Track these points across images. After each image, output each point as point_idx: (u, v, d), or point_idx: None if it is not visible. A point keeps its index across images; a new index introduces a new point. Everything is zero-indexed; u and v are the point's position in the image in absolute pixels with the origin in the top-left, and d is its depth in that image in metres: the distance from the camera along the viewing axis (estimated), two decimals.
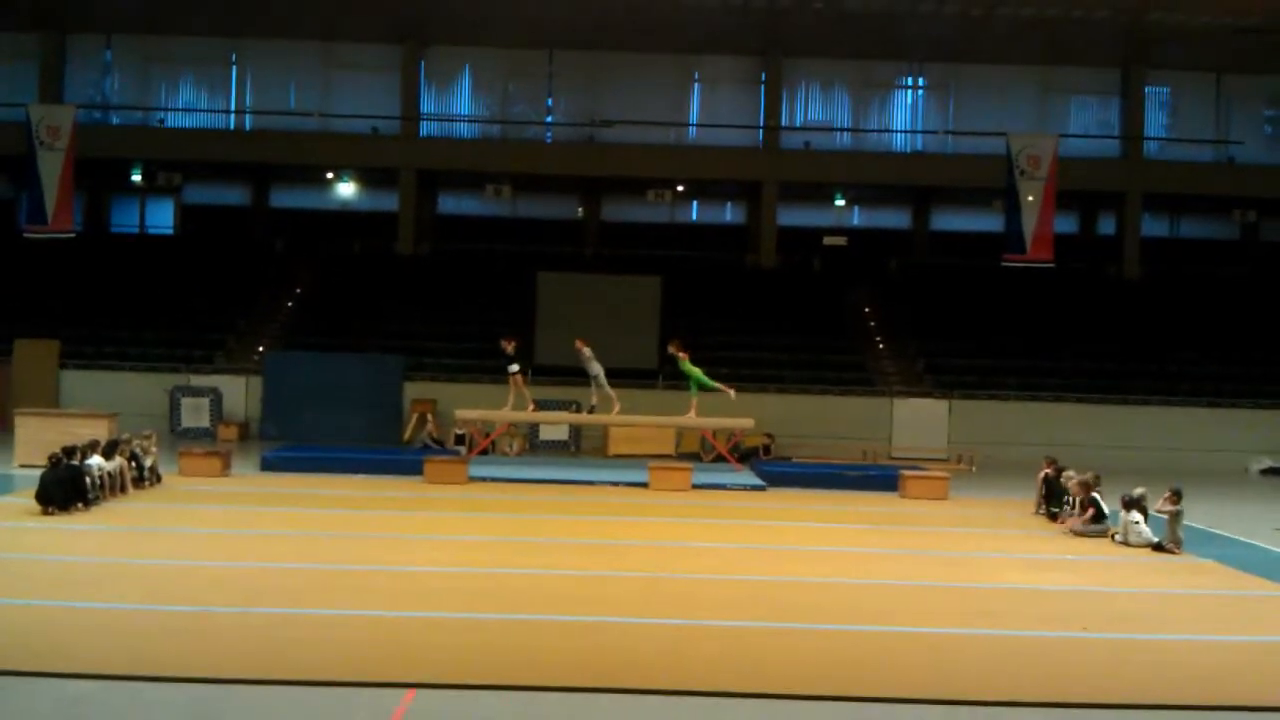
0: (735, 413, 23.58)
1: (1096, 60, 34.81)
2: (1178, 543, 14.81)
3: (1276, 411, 28.82)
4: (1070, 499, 16.97)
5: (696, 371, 22.22)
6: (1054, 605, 11.58)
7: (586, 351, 22.28)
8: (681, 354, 22.30)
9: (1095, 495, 16.30)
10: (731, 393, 22.45)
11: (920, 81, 35.80)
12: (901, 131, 35.90)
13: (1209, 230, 38.21)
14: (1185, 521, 15.26)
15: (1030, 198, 27.63)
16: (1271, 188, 34.25)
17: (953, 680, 8.70)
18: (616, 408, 22.47)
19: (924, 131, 35.67)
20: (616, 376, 23.61)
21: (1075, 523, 16.19)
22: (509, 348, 22.13)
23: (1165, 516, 14.95)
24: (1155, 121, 36.08)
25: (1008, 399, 28.83)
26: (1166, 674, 9.12)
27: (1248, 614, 11.63)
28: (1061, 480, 17.60)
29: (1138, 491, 15.52)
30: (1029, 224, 27.67)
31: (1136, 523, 15.17)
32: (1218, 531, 16.85)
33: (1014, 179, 27.81)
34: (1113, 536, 15.52)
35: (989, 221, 33.96)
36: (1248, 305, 33.21)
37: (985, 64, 34.93)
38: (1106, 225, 37.12)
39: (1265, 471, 27.45)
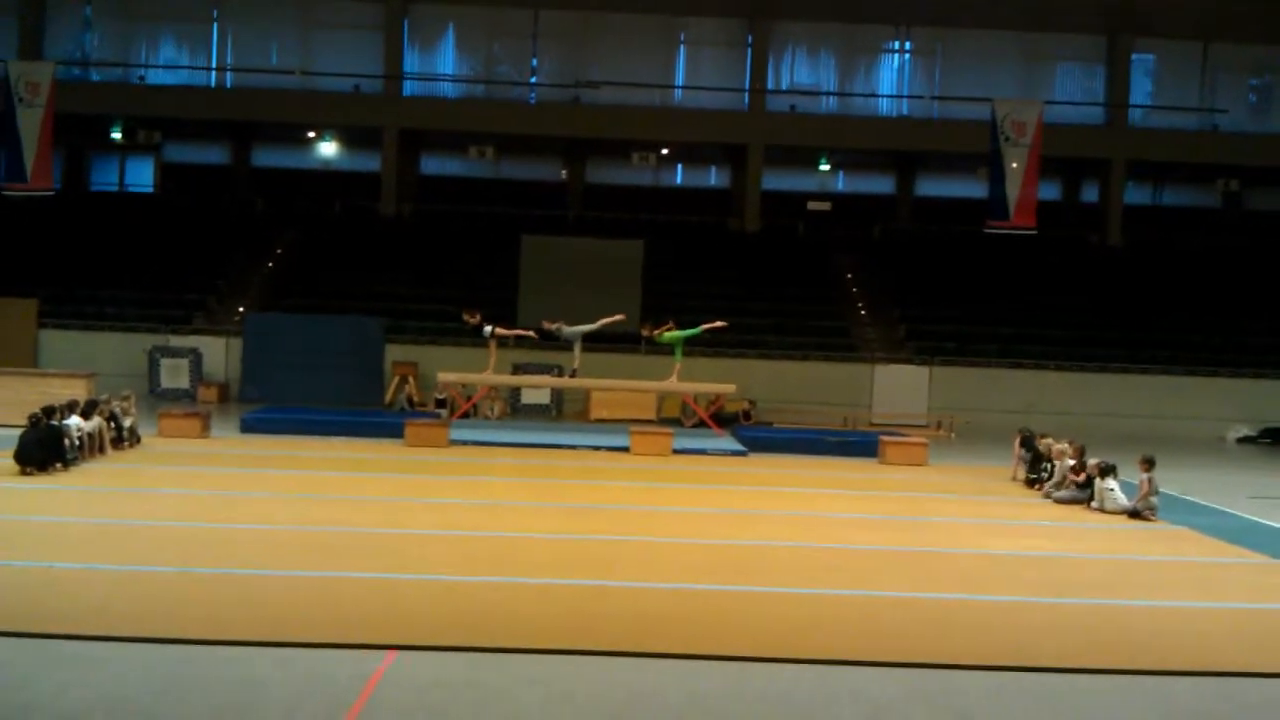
0: (717, 378, 23.61)
1: (1083, 27, 34.76)
2: (1153, 509, 14.93)
3: (1255, 380, 29.04)
4: (1049, 465, 17.07)
5: (677, 335, 22.19)
6: (1030, 571, 11.67)
7: (554, 328, 22.19)
8: (656, 331, 22.30)
9: (1084, 463, 16.42)
10: (720, 323, 22.53)
11: (907, 46, 35.69)
12: (887, 96, 35.81)
13: (1193, 198, 38.32)
14: (1162, 489, 15.39)
15: (1014, 164, 27.64)
16: (1255, 156, 34.34)
17: (931, 644, 8.77)
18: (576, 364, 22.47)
19: (909, 96, 35.61)
20: (599, 341, 23.63)
21: (1064, 490, 16.21)
22: (473, 320, 21.92)
23: (1138, 484, 15.08)
24: (1140, 89, 36.07)
25: (989, 366, 28.94)
26: (1139, 639, 9.22)
27: (1220, 580, 11.75)
28: (1040, 446, 17.69)
29: (1112, 459, 15.64)
30: (1013, 190, 27.70)
31: (1112, 490, 15.30)
32: (1194, 499, 16.99)
33: (998, 145, 27.80)
34: (1089, 504, 15.64)
35: (973, 188, 33.97)
36: (1230, 274, 33.34)
37: (972, 29, 34.86)
38: (1090, 193, 37.20)
39: (1242, 439, 27.67)
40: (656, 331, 22.31)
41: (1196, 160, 34.99)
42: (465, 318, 22.08)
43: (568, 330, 22.09)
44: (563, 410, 27.24)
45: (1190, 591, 11.13)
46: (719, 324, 22.59)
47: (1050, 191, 35.70)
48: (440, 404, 24.61)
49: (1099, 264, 33.75)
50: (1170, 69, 35.96)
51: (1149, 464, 15.09)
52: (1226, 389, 28.86)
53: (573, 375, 22.86)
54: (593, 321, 22.19)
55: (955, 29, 34.99)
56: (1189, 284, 32.75)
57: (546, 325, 22.23)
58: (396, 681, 7.55)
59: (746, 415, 25.60)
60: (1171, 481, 17.15)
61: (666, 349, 22.93)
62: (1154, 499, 15.01)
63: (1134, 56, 35.29)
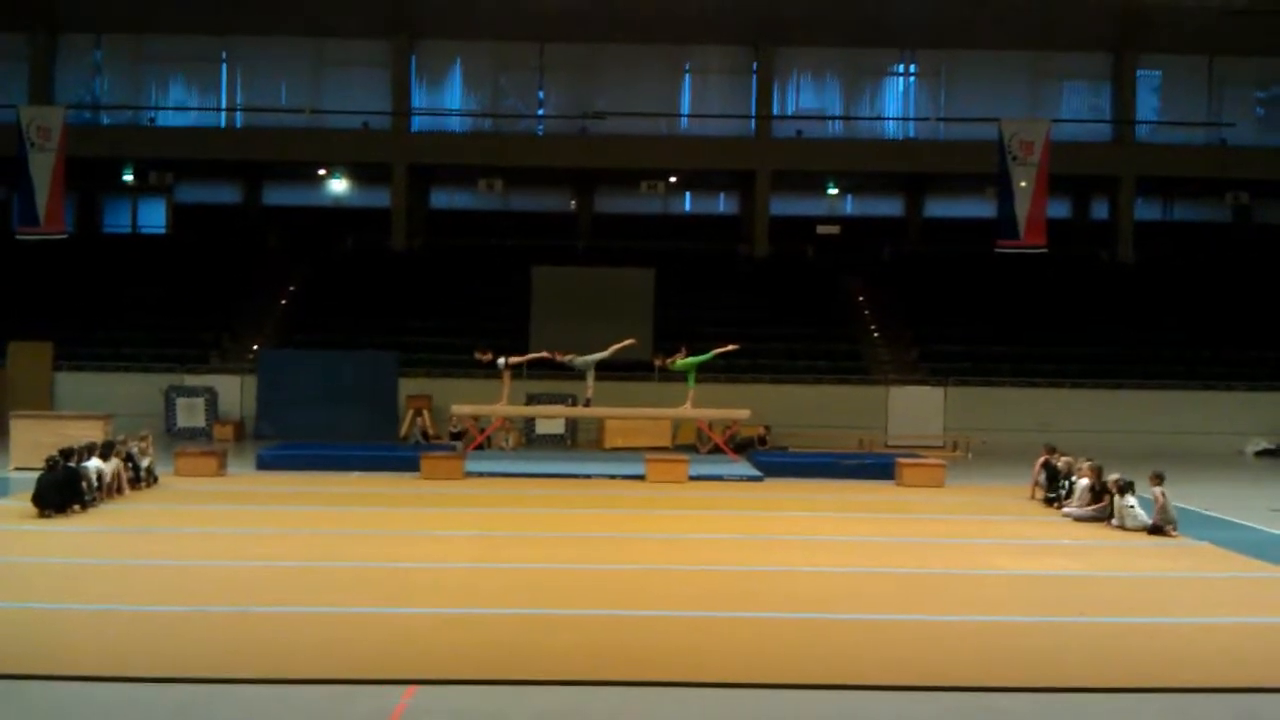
0: (731, 404, 23.58)
1: (1087, 44, 34.81)
2: (1173, 524, 14.86)
3: (1271, 393, 28.90)
4: (1067, 483, 16.99)
5: (690, 362, 22.18)
6: (1053, 590, 11.61)
7: (566, 359, 22.25)
8: (669, 360, 22.33)
9: (1104, 483, 16.35)
10: (731, 345, 22.59)
11: (912, 68, 35.80)
12: (893, 119, 35.89)
13: (1202, 213, 38.25)
14: (1182, 504, 15.31)
15: (1023, 183, 27.61)
16: (1264, 170, 34.30)
17: (952, 666, 8.72)
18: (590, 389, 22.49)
19: (916, 119, 35.67)
20: (611, 369, 23.63)
21: (1084, 509, 16.12)
22: (485, 358, 22.05)
23: (1152, 499, 15.03)
24: (1147, 105, 36.07)
25: (1003, 385, 28.86)
26: (1163, 657, 9.15)
27: (1243, 595, 11.68)
28: (1061, 465, 17.62)
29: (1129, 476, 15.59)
30: (1022, 209, 27.65)
31: (1131, 507, 15.23)
32: (1212, 514, 16.90)
33: (1006, 165, 27.77)
34: (1109, 521, 15.56)
35: (982, 208, 33.95)
36: (1241, 288, 33.24)
37: (976, 50, 34.93)
38: (1100, 210, 37.17)
39: (1260, 453, 27.53)
40: (669, 360, 22.35)
41: (1205, 175, 34.92)
42: (478, 356, 22.20)
43: (580, 361, 22.13)
44: (577, 440, 27.22)
45: (1214, 607, 11.06)
46: (730, 347, 22.63)
47: (1060, 209, 35.66)
48: (455, 436, 24.63)
49: (1111, 281, 33.67)
50: (1176, 84, 35.97)
51: (1159, 479, 15.06)
52: (1243, 402, 28.73)
53: (586, 404, 22.86)
54: (604, 349, 22.23)
55: (959, 50, 35.07)
56: (1201, 298, 32.65)
57: (559, 358, 22.28)
58: (417, 716, 7.53)
59: (762, 440, 25.56)
60: (1191, 496, 17.06)
61: (680, 376, 22.94)
62: (1173, 513, 14.94)
63: (1139, 73, 35.31)
